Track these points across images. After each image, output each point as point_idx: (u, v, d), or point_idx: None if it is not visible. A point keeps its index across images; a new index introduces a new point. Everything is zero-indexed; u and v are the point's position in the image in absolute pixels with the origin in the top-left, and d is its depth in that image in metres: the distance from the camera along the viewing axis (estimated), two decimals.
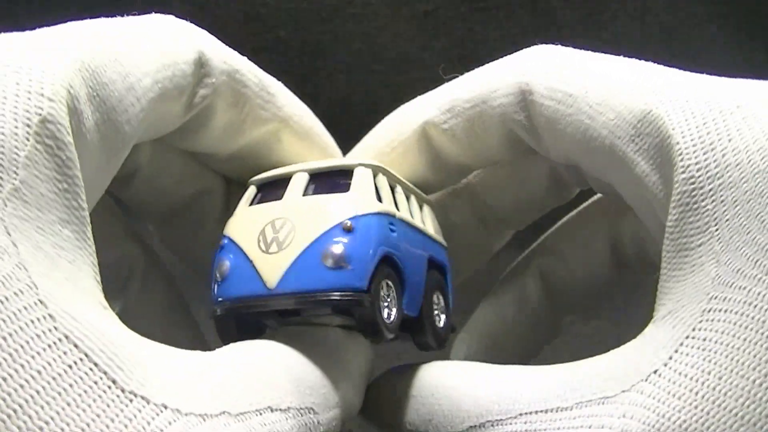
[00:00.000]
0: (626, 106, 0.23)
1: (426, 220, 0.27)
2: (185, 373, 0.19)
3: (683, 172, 0.21)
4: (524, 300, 0.31)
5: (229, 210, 0.28)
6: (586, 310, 0.32)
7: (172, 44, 0.23)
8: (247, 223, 0.24)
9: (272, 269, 0.22)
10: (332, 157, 0.29)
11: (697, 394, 0.20)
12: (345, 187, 0.24)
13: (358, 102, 0.27)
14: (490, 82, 0.26)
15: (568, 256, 0.31)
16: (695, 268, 0.21)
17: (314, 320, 0.24)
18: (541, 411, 0.21)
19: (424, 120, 0.27)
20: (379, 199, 0.24)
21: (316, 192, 0.24)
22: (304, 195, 0.24)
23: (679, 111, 0.22)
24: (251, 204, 0.25)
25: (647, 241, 0.29)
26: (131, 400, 0.17)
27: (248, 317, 0.24)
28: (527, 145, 0.27)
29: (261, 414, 0.20)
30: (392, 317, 0.23)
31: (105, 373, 0.17)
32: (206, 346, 0.30)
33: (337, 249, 0.22)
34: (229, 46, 0.26)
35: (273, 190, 0.25)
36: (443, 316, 0.27)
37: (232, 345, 0.22)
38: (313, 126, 0.28)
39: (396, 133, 0.28)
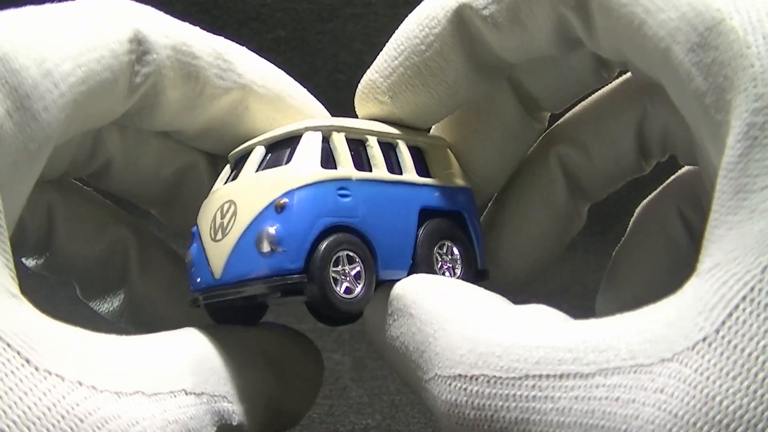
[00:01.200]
0: (693, 8, 0.19)
1: (425, 166, 0.25)
2: (102, 353, 0.19)
3: (756, 101, 0.18)
4: (547, 196, 0.28)
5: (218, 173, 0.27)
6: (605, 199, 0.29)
7: (102, 25, 0.22)
8: (207, 208, 0.23)
9: (217, 258, 0.22)
10: (310, 117, 0.26)
11: (756, 375, 0.16)
12: (287, 158, 0.23)
13: None
14: None
15: (590, 147, 0.28)
16: (755, 214, 0.18)
17: (283, 303, 0.24)
18: (554, 375, 0.18)
19: (460, 3, 0.23)
20: (330, 164, 0.22)
21: (266, 167, 0.23)
22: (256, 171, 0.23)
23: (757, 26, 0.19)
24: (225, 182, 0.24)
25: (677, 133, 0.27)
26: (45, 378, 0.18)
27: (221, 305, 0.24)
28: (576, 36, 0.23)
29: (175, 396, 0.20)
30: (357, 290, 0.22)
31: (18, 352, 0.18)
32: None
33: (269, 232, 0.21)
34: None
35: (237, 166, 0.24)
36: (459, 268, 0.25)
37: (158, 333, 0.22)
38: (283, 88, 0.26)
39: (429, 26, 0.24)
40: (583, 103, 0.29)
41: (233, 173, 0.24)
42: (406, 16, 0.26)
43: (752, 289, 0.17)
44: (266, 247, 0.21)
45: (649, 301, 0.20)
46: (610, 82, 0.28)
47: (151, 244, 0.28)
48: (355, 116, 0.25)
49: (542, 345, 0.18)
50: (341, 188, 0.22)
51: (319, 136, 0.23)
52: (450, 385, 0.19)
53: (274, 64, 0.25)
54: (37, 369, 0.18)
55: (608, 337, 0.18)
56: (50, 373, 0.18)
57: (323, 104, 0.26)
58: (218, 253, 0.22)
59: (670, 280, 0.21)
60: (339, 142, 0.23)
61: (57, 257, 0.26)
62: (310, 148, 0.22)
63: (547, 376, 0.18)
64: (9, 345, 0.18)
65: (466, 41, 0.24)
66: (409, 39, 0.24)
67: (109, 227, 0.27)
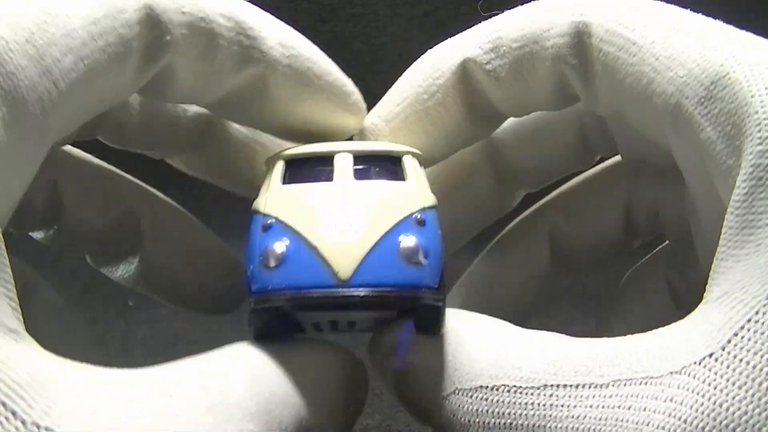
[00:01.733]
0: (699, 65, 0.21)
1: None
2: (99, 398, 0.17)
3: (759, 144, 0.19)
4: (530, 261, 0.30)
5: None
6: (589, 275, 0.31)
7: (109, 3, 0.20)
8: (294, 204, 0.21)
9: (344, 260, 0.20)
10: (338, 101, 0.25)
11: (761, 384, 0.17)
12: (399, 175, 0.23)
13: None
14: (543, 19, 0.24)
15: (579, 218, 0.29)
16: (761, 248, 0.19)
17: (372, 316, 0.23)
18: (571, 385, 0.19)
19: (465, 57, 0.24)
20: None
21: (368, 176, 0.23)
22: (357, 178, 0.22)
23: (759, 77, 0.20)
24: (286, 182, 0.23)
25: (665, 211, 0.28)
26: None
27: (295, 315, 0.22)
28: (574, 93, 0.24)
29: None
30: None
31: (3, 403, 0.15)
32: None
33: (414, 243, 0.20)
34: None
35: (310, 168, 0.23)
36: None
37: (160, 366, 0.19)
38: (310, 67, 0.25)
39: (432, 77, 0.25)
40: (577, 178, 0.30)
41: (290, 172, 0.23)
42: (406, 16, 0.26)
43: (757, 312, 0.18)
44: (411, 258, 0.20)
45: None
46: (592, 167, 0.30)
47: (167, 212, 0.28)
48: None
49: (559, 358, 0.19)
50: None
51: (416, 162, 0.23)
52: (471, 396, 0.20)
53: None
54: (23, 422, 0.15)
55: (620, 353, 0.19)
56: (39, 427, 0.16)
57: None
58: (345, 255, 0.20)
59: None
60: (423, 171, 0.24)
61: (65, 230, 0.26)
62: (417, 171, 0.23)
63: (564, 386, 0.19)
64: None
65: (467, 93, 0.25)
66: (412, 87, 0.25)
67: (120, 198, 0.27)
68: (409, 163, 0.23)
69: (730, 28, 0.22)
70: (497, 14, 0.25)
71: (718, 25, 0.22)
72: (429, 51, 0.26)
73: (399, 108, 0.25)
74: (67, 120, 0.20)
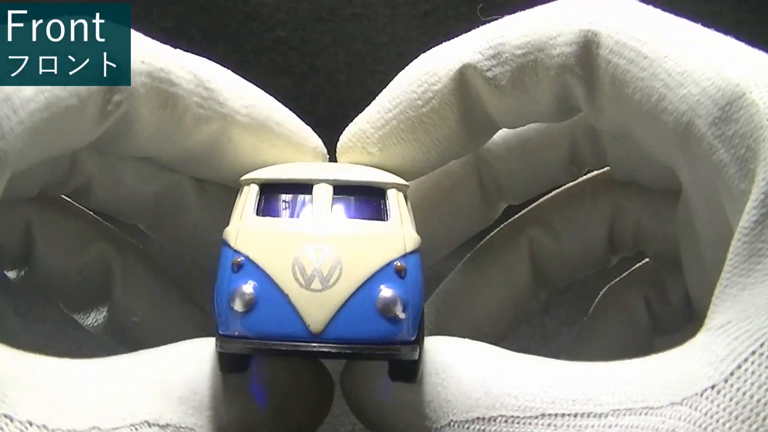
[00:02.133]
0: (714, 83, 0.20)
1: None
2: (54, 386, 0.18)
3: None
4: (510, 277, 0.29)
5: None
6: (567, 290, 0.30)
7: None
8: (267, 243, 0.20)
9: (317, 311, 0.19)
10: (300, 147, 0.25)
11: (765, 419, 0.17)
12: (380, 212, 0.21)
13: (358, 102, 0.27)
14: (549, 26, 0.22)
15: (561, 233, 0.29)
16: None
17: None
18: (569, 414, 0.18)
19: (464, 63, 0.23)
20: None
21: (348, 213, 0.21)
22: (335, 215, 0.21)
23: None
24: (261, 212, 0.22)
25: (649, 229, 0.28)
26: None
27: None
28: (575, 105, 0.24)
29: (136, 429, 0.18)
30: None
31: None
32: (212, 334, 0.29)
33: (393, 297, 0.19)
34: (229, 46, 0.25)
35: (286, 198, 0.22)
36: None
37: (115, 357, 0.20)
38: (269, 115, 0.24)
39: (428, 82, 0.23)
40: (558, 190, 0.29)
41: (265, 200, 0.22)
42: (406, 16, 0.25)
43: (762, 344, 0.18)
44: (388, 312, 0.19)
45: None
46: (577, 179, 0.29)
47: (137, 260, 0.28)
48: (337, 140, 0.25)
49: (556, 386, 0.19)
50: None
51: (402, 196, 0.22)
52: (468, 428, 0.19)
53: (275, 64, 0.25)
54: None
55: (618, 380, 0.19)
56: None
57: (323, 104, 0.26)
58: (318, 305, 0.19)
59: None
60: (408, 204, 0.22)
61: (37, 272, 0.26)
62: (401, 207, 0.22)
63: (563, 414, 0.18)
64: None
65: (463, 101, 0.24)
66: (405, 93, 0.24)
67: (91, 242, 0.27)
68: (393, 198, 0.22)
69: (744, 45, 0.21)
70: (497, 19, 0.24)
71: (732, 42, 0.21)
72: (423, 55, 0.24)
73: (390, 114, 0.24)
74: (24, 152, 0.20)
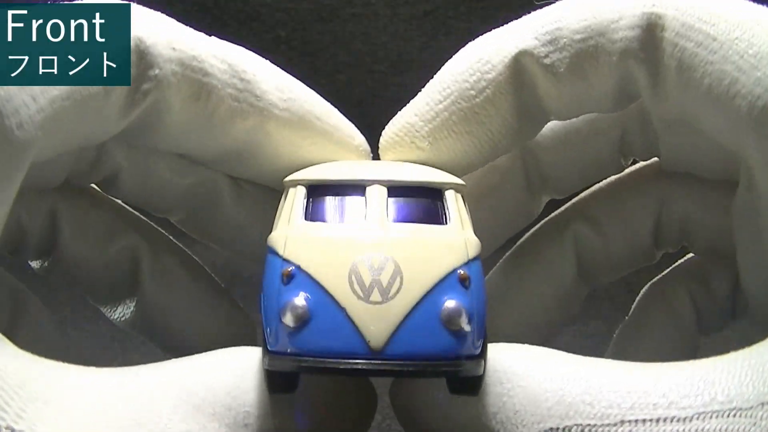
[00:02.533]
0: None
1: None
2: (78, 403, 0.17)
3: None
4: (555, 274, 0.27)
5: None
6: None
7: None
8: (321, 250, 0.19)
9: (377, 325, 0.18)
10: (343, 144, 0.23)
11: None
12: (439, 215, 0.20)
13: (358, 102, 0.26)
14: (609, 9, 0.21)
15: (607, 228, 0.27)
16: None
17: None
18: (651, 420, 0.17)
19: (519, 50, 0.22)
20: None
21: (406, 217, 0.20)
22: (391, 219, 0.19)
23: None
24: (310, 217, 0.20)
25: (697, 222, 0.27)
26: None
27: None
28: (634, 93, 0.22)
29: None
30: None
31: None
32: (250, 328, 0.27)
33: (458, 308, 0.18)
34: None
35: (336, 201, 0.20)
36: None
37: (146, 367, 0.18)
38: (310, 110, 0.23)
39: (481, 71, 0.22)
40: (602, 183, 0.28)
41: (313, 202, 0.20)
42: (406, 16, 0.25)
43: None
44: (454, 325, 0.18)
45: None
46: (622, 171, 0.27)
47: (167, 252, 0.27)
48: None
49: (633, 390, 0.18)
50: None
51: (459, 197, 0.21)
52: None
53: (274, 64, 0.24)
54: None
55: (698, 381, 0.18)
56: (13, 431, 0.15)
57: None
58: (379, 319, 0.18)
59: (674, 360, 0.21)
60: (466, 206, 0.21)
61: (62, 262, 0.25)
62: (460, 210, 0.20)
63: (644, 420, 0.17)
64: None
65: (518, 90, 0.22)
66: (457, 82, 0.22)
67: (119, 233, 0.26)
68: (452, 199, 0.20)
69: None
70: (552, 3, 0.22)
71: None
72: (474, 42, 0.23)
73: (441, 106, 0.22)
74: (44, 142, 0.19)
